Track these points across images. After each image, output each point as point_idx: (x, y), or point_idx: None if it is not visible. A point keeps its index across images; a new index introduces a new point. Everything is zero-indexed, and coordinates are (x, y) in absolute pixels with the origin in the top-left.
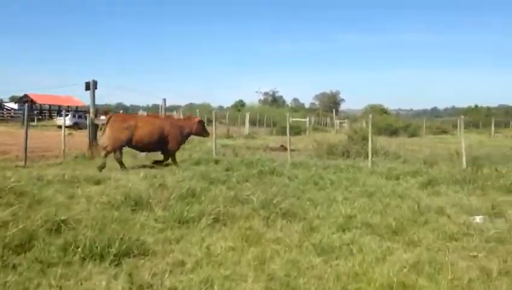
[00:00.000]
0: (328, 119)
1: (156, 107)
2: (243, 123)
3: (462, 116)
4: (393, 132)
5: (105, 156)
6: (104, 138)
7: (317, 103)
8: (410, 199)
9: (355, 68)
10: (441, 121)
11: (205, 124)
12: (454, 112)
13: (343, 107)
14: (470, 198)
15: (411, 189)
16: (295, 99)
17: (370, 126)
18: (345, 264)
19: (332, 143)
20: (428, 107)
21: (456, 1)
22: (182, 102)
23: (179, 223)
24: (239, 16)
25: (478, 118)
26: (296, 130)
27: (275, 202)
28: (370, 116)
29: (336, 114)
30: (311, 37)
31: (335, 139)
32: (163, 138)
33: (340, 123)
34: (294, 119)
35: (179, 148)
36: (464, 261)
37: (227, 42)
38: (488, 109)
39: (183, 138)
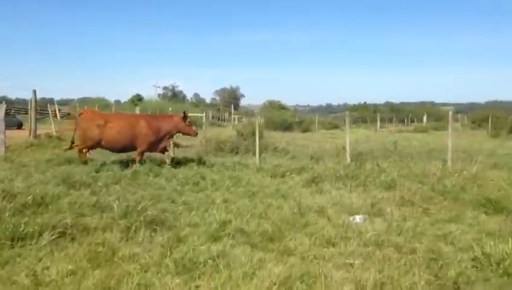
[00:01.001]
0: (227, 115)
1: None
2: None
3: (347, 112)
4: (288, 127)
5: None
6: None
7: (217, 98)
8: (292, 199)
9: (256, 64)
10: (333, 116)
11: (189, 122)
12: (346, 108)
13: (243, 102)
14: (351, 195)
15: (295, 187)
16: (196, 95)
17: (257, 121)
18: (207, 284)
19: (222, 139)
20: (324, 103)
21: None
22: (75, 96)
23: (12, 241)
24: (135, 6)
25: (366, 114)
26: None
27: (139, 208)
28: (255, 111)
29: (236, 109)
30: (212, 33)
31: (227, 134)
32: (134, 137)
33: (239, 118)
34: (190, 114)
35: (149, 149)
36: (340, 272)
37: (126, 33)
38: (376, 105)
39: (159, 139)
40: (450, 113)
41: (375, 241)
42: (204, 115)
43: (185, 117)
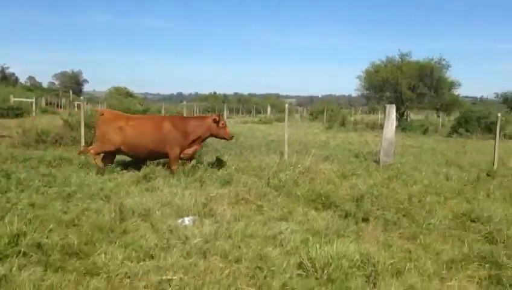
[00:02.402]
0: (65, 100)
1: None
2: None
3: (185, 102)
4: None
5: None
6: None
7: (57, 82)
8: (117, 199)
9: (102, 49)
10: (182, 106)
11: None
12: (197, 97)
13: (87, 88)
14: (185, 193)
15: (124, 185)
16: (31, 78)
17: (83, 108)
18: None
19: (44, 129)
20: (175, 92)
21: None
22: None
23: None
24: None
25: (216, 104)
26: (18, 112)
27: None
28: (82, 98)
29: (79, 95)
30: (55, 13)
31: (55, 124)
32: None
33: (78, 105)
34: (17, 99)
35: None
36: None
37: None
38: (225, 96)
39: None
40: (286, 105)
41: (201, 248)
42: (34, 100)
43: (217, 119)
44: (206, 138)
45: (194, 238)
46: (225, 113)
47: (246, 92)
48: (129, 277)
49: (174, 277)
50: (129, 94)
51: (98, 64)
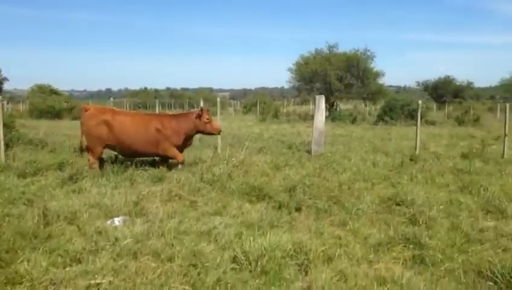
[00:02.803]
0: None
1: None
2: None
3: (112, 99)
4: (57, 115)
5: None
6: None
7: None
8: (41, 203)
9: (22, 45)
10: (112, 102)
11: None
12: (127, 93)
13: (7, 87)
14: (115, 192)
15: (48, 188)
16: None
17: (1, 111)
18: None
19: None
20: (103, 88)
21: None
22: None
23: None
24: None
25: (147, 99)
26: None
27: None
28: (0, 97)
29: None
30: None
31: None
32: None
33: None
34: None
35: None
36: None
37: None
38: (156, 91)
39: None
40: (218, 99)
41: (131, 249)
42: None
43: (200, 114)
44: (193, 135)
45: (124, 239)
46: (157, 108)
47: (178, 87)
48: (54, 284)
49: (103, 281)
50: (53, 92)
51: (19, 61)
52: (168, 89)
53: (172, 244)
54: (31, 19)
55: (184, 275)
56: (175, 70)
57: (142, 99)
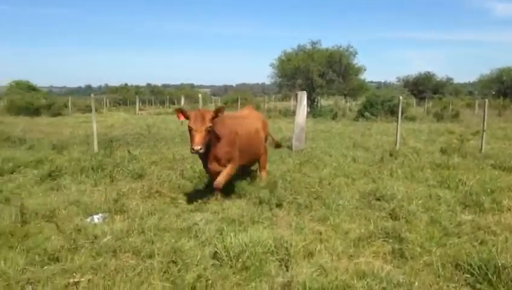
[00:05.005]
0: None
1: None
2: None
3: (92, 95)
4: (35, 112)
5: None
6: None
7: None
8: (18, 201)
9: None
10: (89, 98)
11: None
12: (107, 90)
13: None
14: (94, 190)
15: (26, 185)
16: None
17: None
18: None
19: None
20: (83, 84)
21: None
22: None
23: None
24: None
25: (128, 96)
26: None
27: None
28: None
29: None
30: None
31: None
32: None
33: None
34: None
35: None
36: None
37: None
38: (137, 87)
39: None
40: (200, 95)
41: (111, 247)
42: None
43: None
44: None
45: (104, 236)
46: (137, 105)
47: (159, 83)
48: (31, 283)
49: (81, 279)
50: (32, 88)
51: None
52: (148, 85)
53: (153, 241)
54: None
55: (164, 272)
56: (155, 67)
57: (123, 96)
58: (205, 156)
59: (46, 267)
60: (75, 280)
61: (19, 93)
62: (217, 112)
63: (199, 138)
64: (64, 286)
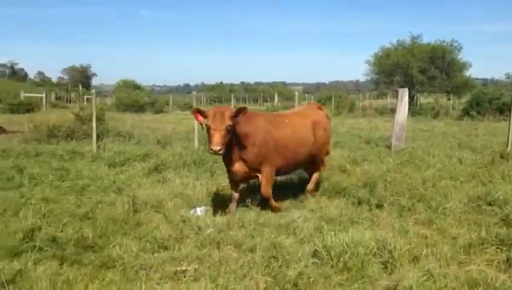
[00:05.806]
0: (73, 96)
1: None
2: None
3: (194, 93)
4: (140, 109)
5: None
6: None
7: (66, 77)
8: (130, 192)
9: (108, 42)
10: (190, 96)
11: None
12: (204, 88)
13: (95, 82)
14: (196, 183)
15: (135, 177)
16: (40, 73)
17: (94, 102)
18: None
19: (55, 124)
20: (181, 83)
21: None
22: None
23: None
24: None
25: (223, 94)
26: (28, 107)
27: None
28: (93, 91)
29: (88, 89)
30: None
31: (66, 118)
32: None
33: (87, 99)
34: (27, 94)
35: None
36: (168, 283)
37: None
38: (232, 85)
39: None
40: (297, 93)
41: (214, 239)
42: (43, 95)
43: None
44: None
45: (207, 228)
46: (232, 103)
47: (252, 81)
48: (144, 269)
49: (188, 268)
50: (137, 87)
51: (106, 57)
52: (242, 83)
53: (253, 236)
54: (116, 18)
55: (266, 267)
56: (249, 65)
57: (218, 94)
58: (228, 158)
59: (156, 254)
60: (183, 268)
61: (125, 92)
62: (238, 112)
63: (218, 137)
64: (173, 273)
